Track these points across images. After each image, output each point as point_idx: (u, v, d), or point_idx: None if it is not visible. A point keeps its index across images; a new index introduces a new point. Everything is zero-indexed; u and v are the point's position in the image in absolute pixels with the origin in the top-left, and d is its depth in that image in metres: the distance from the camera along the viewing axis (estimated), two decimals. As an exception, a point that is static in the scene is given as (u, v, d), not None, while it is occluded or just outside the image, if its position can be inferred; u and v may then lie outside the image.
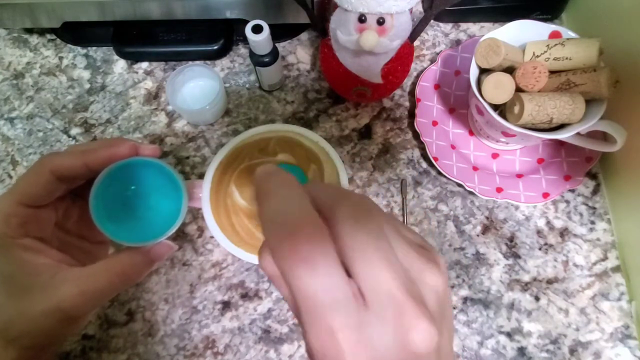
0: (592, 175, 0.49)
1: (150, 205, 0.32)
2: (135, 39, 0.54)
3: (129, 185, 0.31)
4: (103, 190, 0.29)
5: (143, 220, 0.31)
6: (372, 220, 0.18)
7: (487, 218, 0.48)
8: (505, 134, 0.44)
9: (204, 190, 0.40)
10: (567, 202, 0.48)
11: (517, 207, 0.48)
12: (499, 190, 0.47)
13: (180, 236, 0.47)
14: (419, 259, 0.19)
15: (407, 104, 0.53)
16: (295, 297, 0.17)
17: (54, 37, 0.57)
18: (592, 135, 0.44)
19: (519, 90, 0.41)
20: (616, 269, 0.45)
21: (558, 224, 0.47)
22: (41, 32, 0.57)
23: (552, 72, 0.41)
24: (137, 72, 0.55)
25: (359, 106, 0.53)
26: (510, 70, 0.42)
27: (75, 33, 0.56)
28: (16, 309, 0.25)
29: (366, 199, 0.19)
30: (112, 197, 0.30)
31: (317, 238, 0.17)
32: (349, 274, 0.17)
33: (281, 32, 0.55)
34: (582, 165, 0.47)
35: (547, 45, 0.41)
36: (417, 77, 0.53)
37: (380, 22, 0.38)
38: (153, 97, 0.54)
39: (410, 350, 0.16)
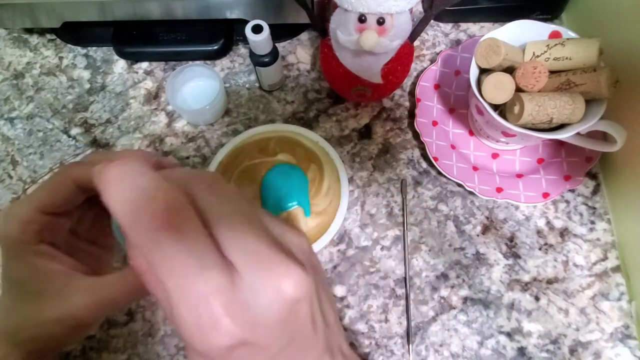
0: (592, 175, 0.49)
1: None
2: (135, 39, 0.54)
3: None
4: None
5: None
6: (231, 192, 0.18)
7: (487, 218, 0.48)
8: (505, 134, 0.44)
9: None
10: (567, 202, 0.48)
11: (517, 207, 0.48)
12: (499, 190, 0.47)
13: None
14: (284, 224, 0.19)
15: (407, 104, 0.53)
16: (161, 274, 0.16)
17: (54, 37, 0.57)
18: (592, 135, 0.44)
19: (519, 90, 0.41)
20: (616, 269, 0.45)
21: (558, 224, 0.47)
22: (41, 32, 0.57)
23: (552, 72, 0.41)
24: (137, 72, 0.55)
25: (359, 106, 0.53)
26: (510, 70, 0.42)
27: (75, 33, 0.56)
28: (27, 314, 0.25)
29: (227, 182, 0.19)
30: None
31: (178, 204, 0.16)
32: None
33: (281, 32, 0.55)
34: (582, 165, 0.47)
35: (547, 45, 0.41)
36: (417, 77, 0.53)
37: (380, 22, 0.38)
38: (153, 97, 0.54)
39: (285, 299, 0.16)
